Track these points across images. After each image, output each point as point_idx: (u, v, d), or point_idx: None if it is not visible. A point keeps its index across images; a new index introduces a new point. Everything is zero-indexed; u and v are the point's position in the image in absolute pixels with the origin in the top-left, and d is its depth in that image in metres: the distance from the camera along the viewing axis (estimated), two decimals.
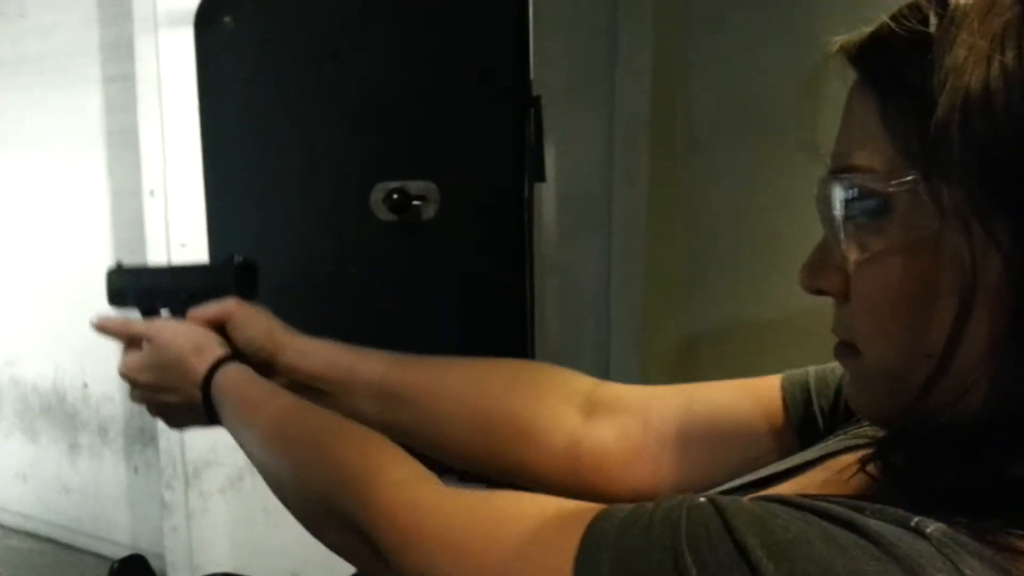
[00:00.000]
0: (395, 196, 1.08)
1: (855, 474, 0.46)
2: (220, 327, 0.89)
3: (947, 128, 0.39)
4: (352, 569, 0.68)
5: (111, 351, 0.95)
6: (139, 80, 2.38)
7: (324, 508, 0.64)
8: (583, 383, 0.78)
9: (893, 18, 0.43)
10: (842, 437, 0.56)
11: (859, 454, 0.46)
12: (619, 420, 0.73)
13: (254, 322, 0.89)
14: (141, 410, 0.94)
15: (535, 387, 0.78)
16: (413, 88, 1.10)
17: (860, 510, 0.38)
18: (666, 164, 1.28)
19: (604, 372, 1.34)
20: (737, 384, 0.70)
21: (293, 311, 1.15)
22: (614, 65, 1.30)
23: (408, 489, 0.57)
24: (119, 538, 2.94)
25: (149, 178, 2.41)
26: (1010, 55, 0.38)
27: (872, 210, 0.43)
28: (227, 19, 1.18)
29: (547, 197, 1.35)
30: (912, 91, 0.41)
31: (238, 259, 0.93)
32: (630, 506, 0.43)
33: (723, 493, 0.55)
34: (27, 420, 3.15)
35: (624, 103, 1.29)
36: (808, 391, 0.65)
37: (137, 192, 2.46)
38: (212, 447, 2.38)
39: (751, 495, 0.44)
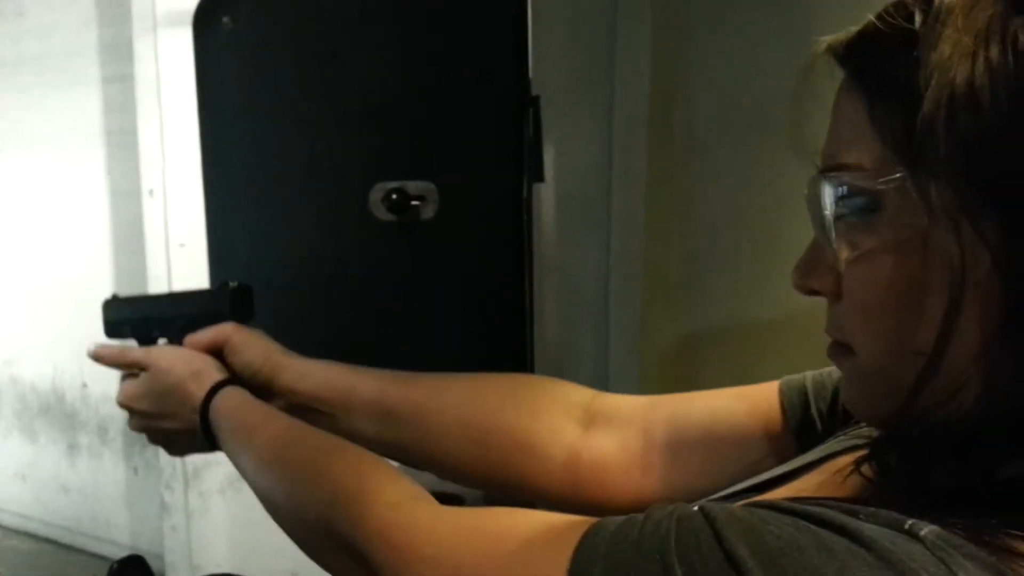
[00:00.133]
0: (394, 196, 1.08)
1: (849, 475, 0.46)
2: (218, 352, 0.90)
3: (933, 125, 0.39)
4: None
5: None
6: (138, 80, 2.38)
7: (319, 529, 0.64)
8: (581, 395, 0.78)
9: (879, 16, 0.43)
10: (842, 438, 0.56)
11: (856, 455, 0.46)
12: (618, 431, 0.73)
13: (251, 346, 0.89)
14: None
15: (533, 401, 0.78)
16: (412, 88, 1.10)
17: (854, 513, 0.38)
18: (665, 164, 1.28)
19: (603, 373, 1.34)
20: (735, 391, 0.71)
21: (292, 312, 1.16)
22: (613, 65, 1.30)
23: (402, 509, 0.57)
24: (118, 538, 2.94)
25: (148, 178, 2.42)
26: (994, 51, 0.38)
27: (861, 208, 0.43)
28: (226, 19, 1.18)
29: (546, 197, 1.35)
30: (899, 88, 0.41)
31: (233, 284, 0.94)
32: (621, 518, 0.43)
33: (722, 499, 0.55)
34: (26, 420, 3.15)
35: (623, 103, 1.29)
36: (806, 394, 0.65)
37: (136, 192, 2.46)
38: None
39: (749, 500, 0.44)
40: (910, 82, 0.40)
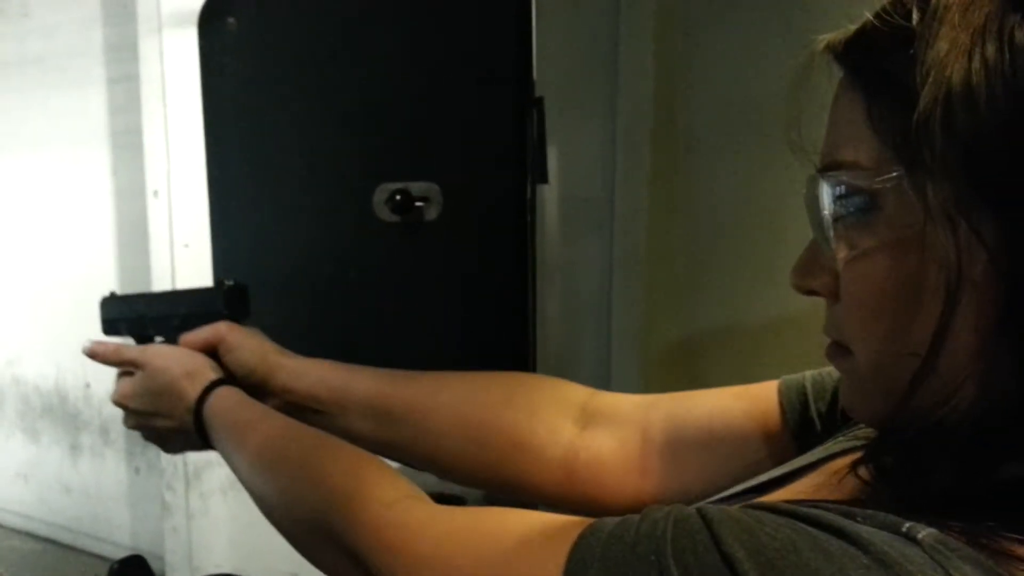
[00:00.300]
0: (398, 197, 1.08)
1: (845, 477, 0.45)
2: (213, 351, 0.90)
3: (929, 123, 0.39)
4: None
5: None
6: (143, 81, 2.39)
7: (314, 529, 0.64)
8: (578, 393, 0.78)
9: (877, 14, 0.43)
10: (841, 440, 0.56)
11: (854, 457, 0.46)
12: (616, 431, 0.73)
13: (246, 345, 0.89)
14: None
15: (530, 399, 0.78)
16: (416, 89, 1.10)
17: (851, 516, 0.38)
18: (668, 166, 1.28)
19: (605, 373, 1.34)
20: (733, 391, 0.70)
21: (295, 312, 1.16)
22: (616, 67, 1.30)
23: (397, 509, 0.57)
24: (119, 539, 2.94)
25: (153, 178, 2.42)
26: (991, 48, 0.38)
27: (859, 207, 0.43)
28: (230, 20, 1.19)
29: (549, 198, 1.35)
30: (896, 86, 0.41)
31: (228, 282, 0.94)
32: (617, 519, 0.43)
33: (720, 501, 0.55)
34: (28, 420, 3.15)
35: (626, 105, 1.30)
36: (805, 395, 0.65)
37: (140, 192, 2.46)
38: None
39: (746, 502, 0.43)
40: (907, 80, 0.40)
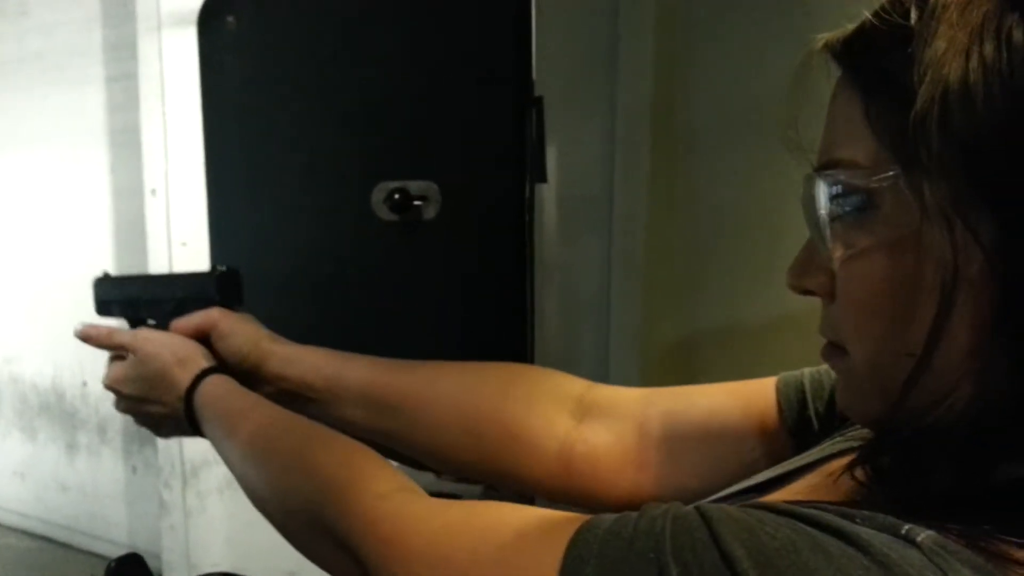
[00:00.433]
0: (396, 196, 1.08)
1: (839, 477, 0.45)
2: (206, 337, 0.89)
3: (925, 122, 0.38)
4: None
5: None
6: (142, 79, 2.39)
7: (306, 519, 0.63)
8: (575, 386, 0.77)
9: (876, 13, 0.43)
10: (839, 440, 0.56)
11: (851, 458, 0.46)
12: (613, 424, 0.72)
13: (239, 331, 0.89)
14: None
15: (526, 392, 0.77)
16: (414, 88, 1.10)
17: (850, 517, 0.38)
18: (667, 165, 1.28)
19: (604, 373, 1.34)
20: (731, 387, 0.70)
21: (293, 311, 1.16)
22: (615, 66, 1.30)
23: (392, 501, 0.57)
24: (116, 537, 2.94)
25: (151, 177, 2.42)
26: (989, 47, 0.37)
27: (855, 206, 0.43)
28: (230, 19, 1.18)
29: (548, 197, 1.35)
30: (894, 85, 0.41)
31: (221, 268, 0.93)
32: (614, 516, 0.43)
33: (719, 500, 0.55)
34: (26, 418, 3.15)
35: (625, 104, 1.30)
36: (803, 394, 0.64)
37: (139, 191, 2.46)
38: (210, 447, 2.38)
39: (746, 502, 0.43)
40: (905, 79, 0.40)
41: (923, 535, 0.36)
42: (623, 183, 1.31)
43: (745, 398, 0.68)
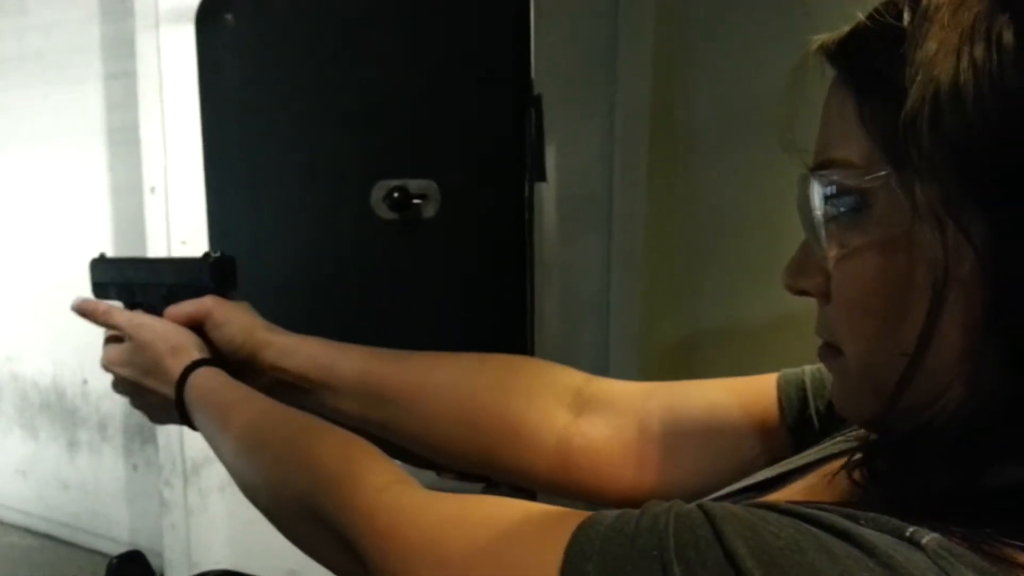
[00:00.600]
0: (395, 194, 1.08)
1: (834, 479, 0.45)
2: (200, 326, 0.89)
3: (916, 122, 0.39)
4: None
5: None
6: (140, 77, 2.38)
7: (301, 511, 0.63)
8: (574, 379, 0.77)
9: (869, 15, 0.43)
10: (839, 440, 0.56)
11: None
12: (613, 419, 0.72)
13: (233, 321, 0.88)
14: None
15: (524, 384, 0.76)
16: (414, 86, 1.10)
17: (854, 519, 0.38)
18: (666, 164, 1.28)
19: (603, 372, 1.33)
20: (731, 384, 0.70)
21: (292, 308, 1.16)
22: (615, 65, 1.30)
23: (390, 493, 0.56)
24: (118, 535, 2.94)
25: (150, 175, 2.42)
26: (979, 48, 0.38)
27: (849, 206, 0.43)
28: (228, 16, 1.18)
29: (547, 196, 1.35)
30: (886, 85, 0.41)
31: (215, 254, 0.92)
32: (616, 512, 0.42)
33: (719, 499, 0.55)
34: (27, 416, 3.15)
35: (625, 103, 1.29)
36: (804, 391, 0.64)
37: (138, 189, 2.46)
38: None
39: (748, 501, 0.43)
40: (897, 79, 0.40)
41: (928, 537, 0.36)
42: (623, 182, 1.31)
43: (746, 396, 0.67)
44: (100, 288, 1.01)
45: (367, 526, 0.55)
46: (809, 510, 0.39)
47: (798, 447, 0.61)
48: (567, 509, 0.46)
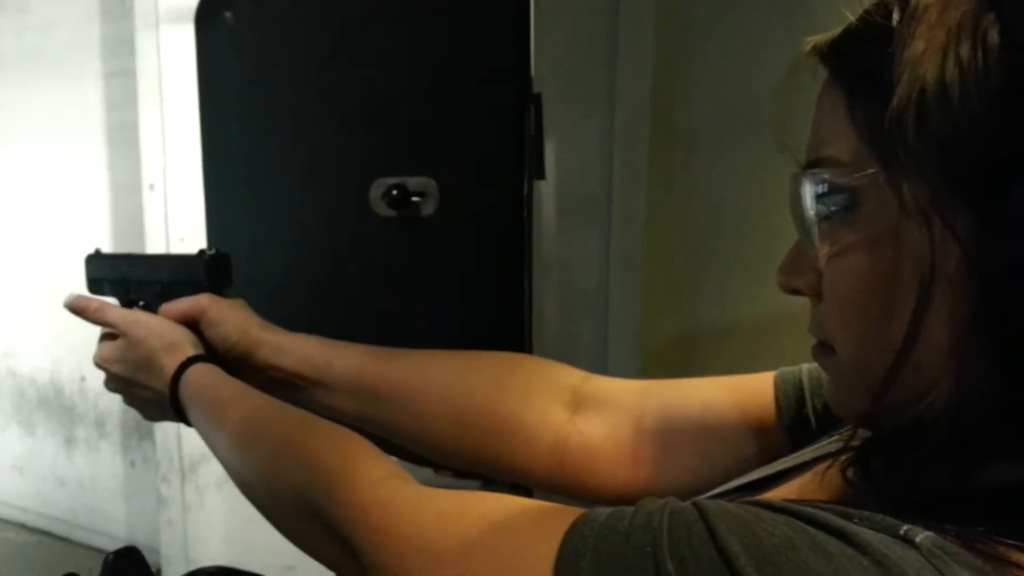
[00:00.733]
0: (394, 192, 1.08)
1: (825, 477, 0.45)
2: (195, 323, 0.88)
3: (902, 119, 0.39)
4: None
5: None
6: (140, 75, 2.39)
7: (297, 506, 0.63)
8: (571, 377, 0.77)
9: (860, 15, 0.43)
10: (836, 439, 0.55)
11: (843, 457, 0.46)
12: (609, 417, 0.72)
13: (228, 319, 0.88)
14: None
15: (520, 382, 0.76)
16: (413, 85, 1.10)
17: (848, 517, 0.38)
18: (666, 162, 1.28)
19: (602, 370, 1.33)
20: (728, 382, 0.70)
21: (291, 306, 1.16)
22: (614, 63, 1.30)
23: (384, 488, 0.56)
24: (115, 531, 2.94)
25: (149, 173, 2.42)
26: (965, 47, 0.38)
27: (839, 204, 0.43)
28: (228, 15, 1.18)
29: (547, 194, 1.35)
30: (875, 84, 0.41)
31: (209, 252, 0.92)
32: (610, 509, 0.42)
33: (715, 497, 0.55)
34: (24, 412, 3.15)
35: (624, 101, 1.30)
36: (801, 390, 0.64)
37: (137, 186, 2.46)
38: None
39: (742, 499, 0.43)
40: (886, 78, 0.40)
41: (922, 536, 0.36)
42: (622, 181, 1.31)
43: (743, 395, 0.67)
44: (95, 284, 1.01)
45: (362, 521, 0.55)
46: (803, 508, 0.39)
47: (795, 446, 0.61)
48: (562, 506, 0.47)
